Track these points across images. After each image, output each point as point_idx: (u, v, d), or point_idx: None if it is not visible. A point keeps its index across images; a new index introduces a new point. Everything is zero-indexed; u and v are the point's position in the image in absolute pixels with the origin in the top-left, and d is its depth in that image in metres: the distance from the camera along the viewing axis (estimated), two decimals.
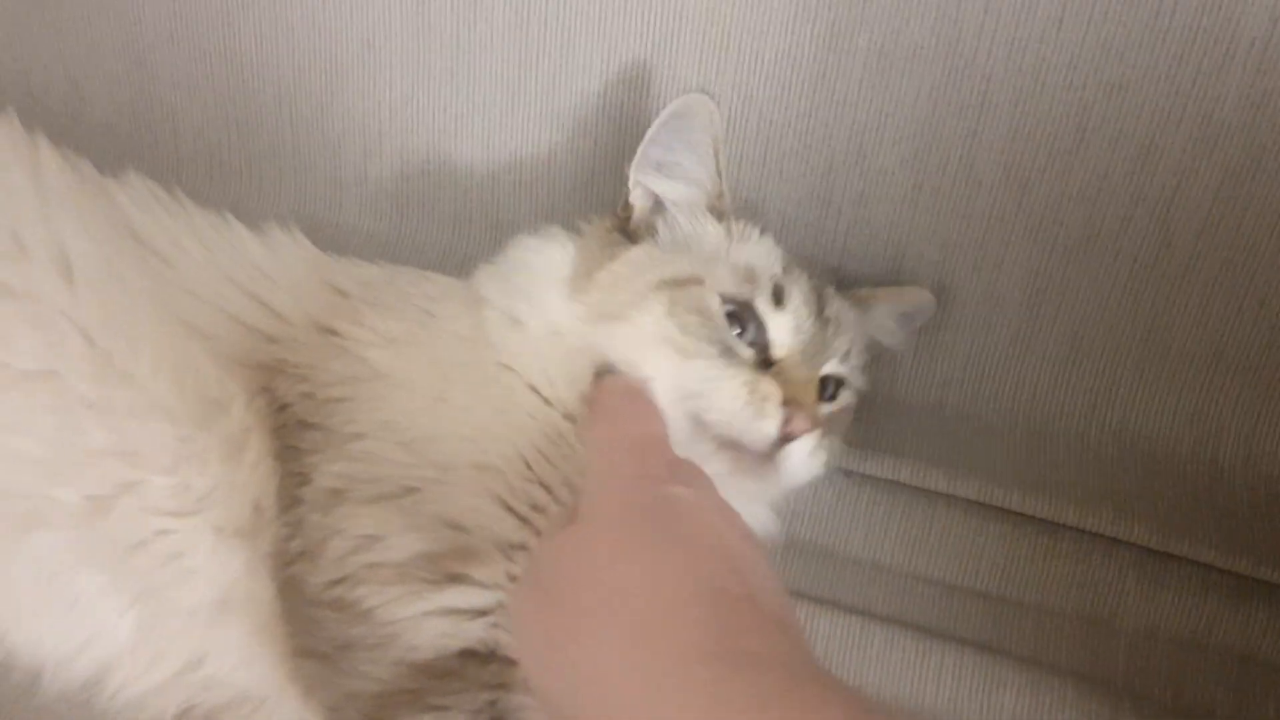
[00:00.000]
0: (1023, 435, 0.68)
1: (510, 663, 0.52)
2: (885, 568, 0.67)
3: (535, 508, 0.54)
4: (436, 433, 0.55)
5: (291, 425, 0.56)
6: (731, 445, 0.55)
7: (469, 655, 0.51)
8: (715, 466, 0.54)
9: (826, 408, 0.60)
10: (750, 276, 0.58)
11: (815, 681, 0.39)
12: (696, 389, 0.55)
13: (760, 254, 0.60)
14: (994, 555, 0.66)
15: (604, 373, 0.58)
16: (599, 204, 0.68)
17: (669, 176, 0.60)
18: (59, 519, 0.56)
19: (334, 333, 0.59)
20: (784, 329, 0.57)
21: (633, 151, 0.60)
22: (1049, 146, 0.61)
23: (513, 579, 0.52)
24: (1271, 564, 0.62)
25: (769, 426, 0.54)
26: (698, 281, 0.57)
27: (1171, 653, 0.62)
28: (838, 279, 0.64)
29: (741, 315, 0.57)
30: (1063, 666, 0.62)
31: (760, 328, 0.57)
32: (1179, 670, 0.62)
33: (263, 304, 0.60)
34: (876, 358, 0.66)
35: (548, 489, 0.55)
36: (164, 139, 0.76)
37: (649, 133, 0.59)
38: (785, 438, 0.54)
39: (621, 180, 0.61)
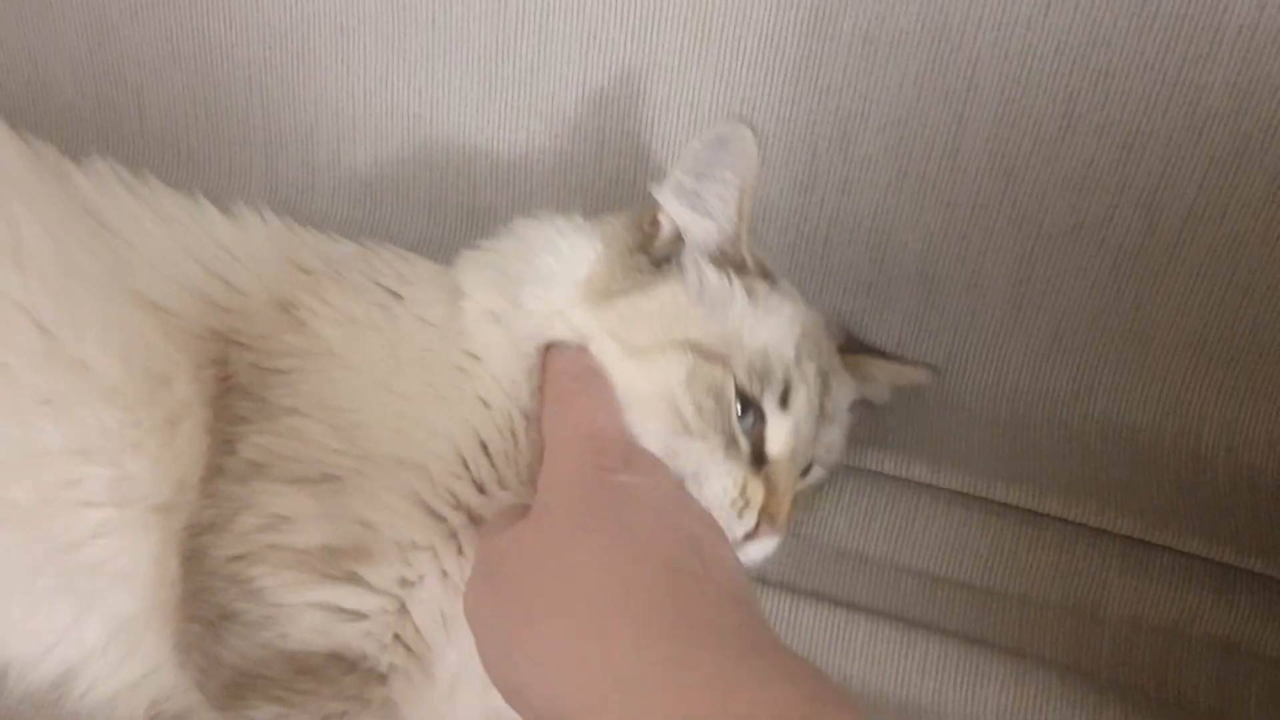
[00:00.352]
0: (1005, 425, 0.67)
1: (376, 679, 0.52)
2: (869, 559, 0.67)
3: (458, 506, 0.54)
4: (371, 421, 0.55)
5: (232, 395, 0.55)
6: None
7: (335, 659, 0.52)
8: None
9: (802, 483, 0.59)
10: (765, 370, 0.55)
11: (775, 652, 0.39)
12: (691, 469, 0.54)
13: (777, 334, 0.57)
14: (977, 546, 0.66)
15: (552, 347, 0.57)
16: (577, 191, 0.67)
17: (694, 209, 0.57)
18: (14, 519, 0.55)
19: (293, 306, 0.58)
20: (783, 432, 0.56)
21: (613, 138, 0.59)
22: (1035, 134, 0.61)
23: (404, 584, 0.53)
24: (1254, 553, 0.62)
25: (743, 528, 0.54)
26: (723, 361, 0.55)
27: (1155, 642, 0.62)
28: (846, 334, 0.63)
29: (747, 399, 0.55)
30: (1047, 657, 0.62)
31: (762, 422, 0.56)
32: (1162, 659, 0.62)
33: (224, 280, 0.59)
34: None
35: (480, 488, 0.55)
36: (129, 121, 0.74)
37: (684, 156, 0.56)
38: (748, 538, 0.55)
39: (601, 169, 0.60)
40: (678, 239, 0.58)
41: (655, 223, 0.58)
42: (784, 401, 0.56)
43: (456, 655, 0.55)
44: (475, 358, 0.58)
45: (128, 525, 0.55)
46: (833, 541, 0.67)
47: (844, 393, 0.61)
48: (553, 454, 0.52)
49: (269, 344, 0.57)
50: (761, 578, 0.65)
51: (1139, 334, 0.65)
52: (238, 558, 0.52)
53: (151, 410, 0.55)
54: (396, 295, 0.60)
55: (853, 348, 0.64)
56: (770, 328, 0.57)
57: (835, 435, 0.60)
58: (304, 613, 0.52)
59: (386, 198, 0.73)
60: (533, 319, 0.57)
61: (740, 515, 0.54)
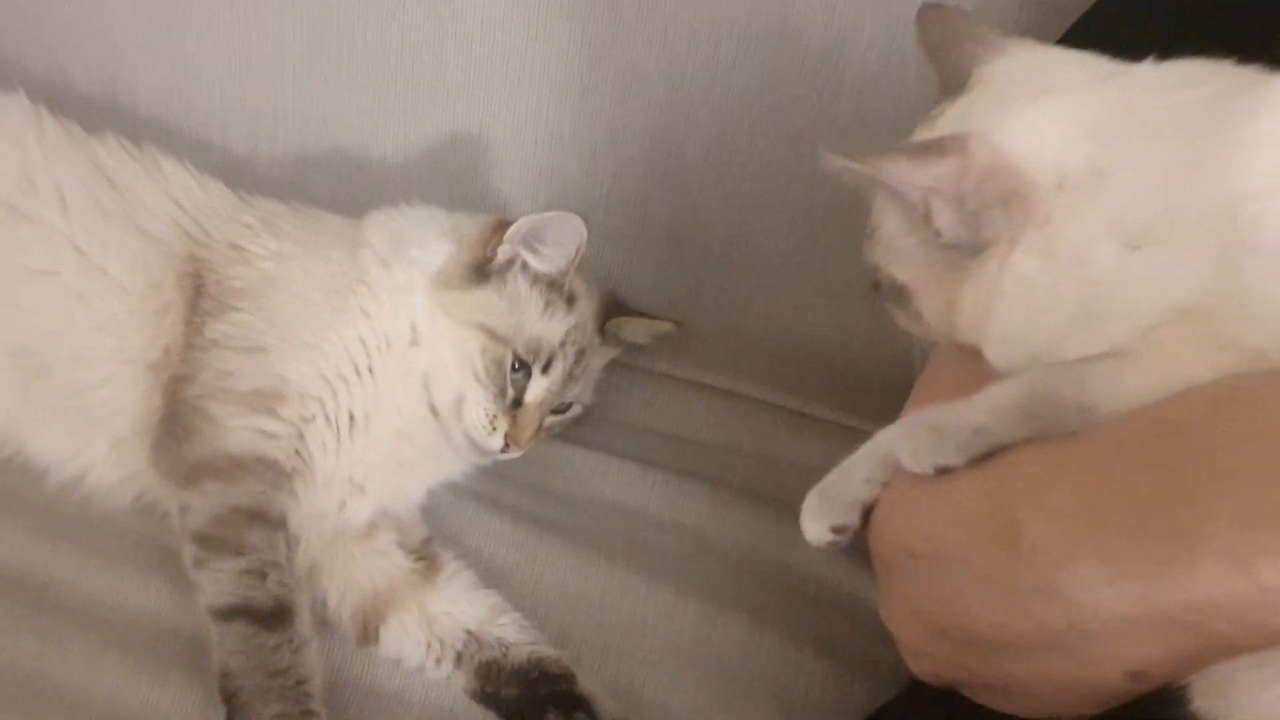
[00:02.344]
0: (726, 337, 1.00)
1: (283, 474, 0.82)
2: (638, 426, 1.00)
3: (340, 376, 0.84)
4: (289, 318, 0.85)
5: (201, 297, 0.85)
6: (471, 439, 0.87)
7: (257, 460, 0.81)
8: (456, 436, 0.87)
9: (554, 418, 0.91)
10: (537, 349, 0.87)
11: None
12: (461, 400, 0.86)
13: (552, 330, 0.88)
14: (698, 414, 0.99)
15: (414, 340, 0.86)
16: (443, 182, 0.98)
17: (534, 253, 0.87)
18: (54, 370, 0.84)
19: (239, 246, 0.88)
20: (539, 388, 0.88)
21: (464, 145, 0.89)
22: (734, 144, 0.92)
23: (303, 419, 0.83)
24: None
25: (495, 444, 0.86)
26: (505, 341, 0.86)
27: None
28: (610, 301, 0.95)
29: (524, 363, 0.87)
30: (736, 486, 0.95)
31: (528, 378, 0.87)
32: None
33: (196, 223, 0.89)
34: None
35: (355, 368, 0.85)
36: (127, 110, 1.04)
37: (535, 219, 0.84)
38: (502, 452, 0.87)
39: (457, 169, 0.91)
40: (506, 265, 0.87)
41: (495, 249, 0.86)
42: (546, 369, 0.88)
43: (331, 463, 0.86)
44: (364, 284, 0.88)
45: (128, 376, 0.85)
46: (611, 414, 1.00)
47: (597, 358, 0.93)
48: None
49: (225, 270, 0.87)
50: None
51: (810, 284, 0.96)
52: (200, 397, 0.82)
53: (147, 303, 0.85)
54: (315, 238, 0.91)
55: (620, 313, 0.95)
56: (549, 326, 0.88)
57: (581, 388, 0.92)
58: (240, 432, 0.81)
59: (308, 169, 1.04)
60: (403, 275, 0.88)
61: (490, 436, 0.86)
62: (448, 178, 0.98)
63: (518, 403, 0.87)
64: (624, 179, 0.96)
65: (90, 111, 0.97)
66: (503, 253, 0.86)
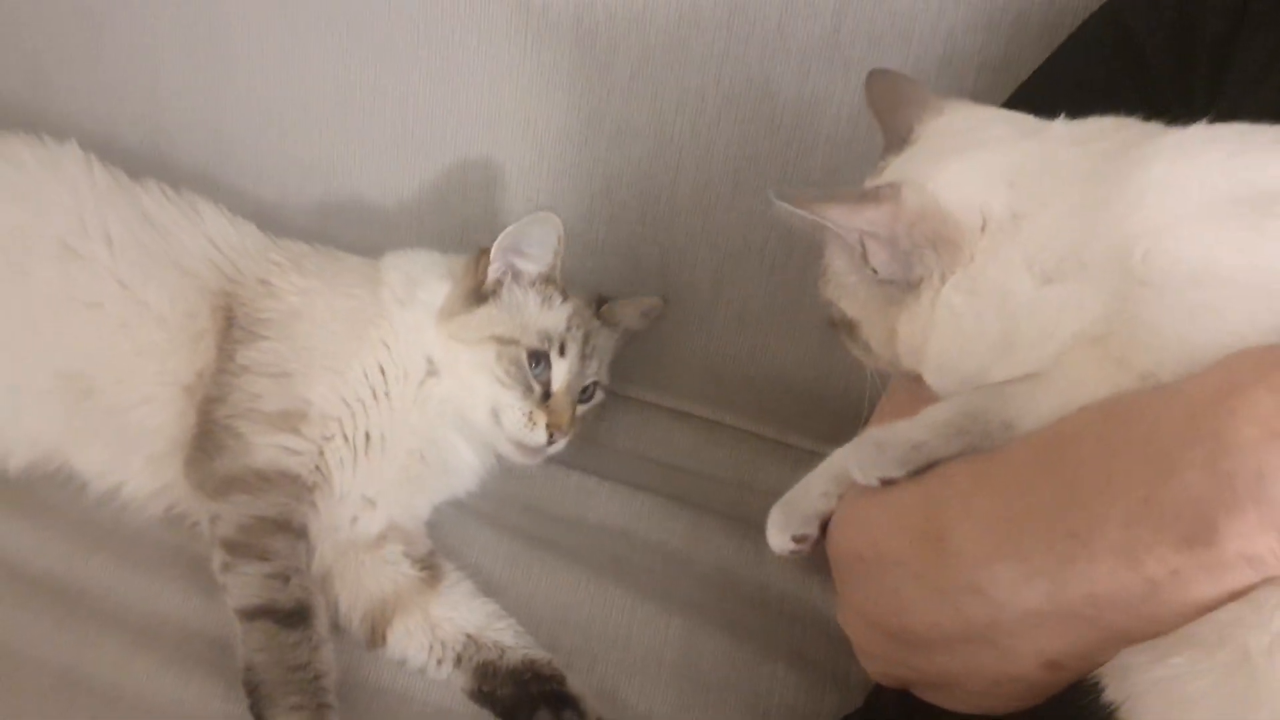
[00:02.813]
0: (710, 370, 1.08)
1: (305, 487, 0.88)
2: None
3: (359, 399, 0.92)
4: (313, 346, 0.93)
5: (233, 327, 0.93)
6: (518, 443, 0.94)
7: (281, 474, 0.88)
8: (505, 447, 0.95)
9: (584, 406, 0.98)
10: (547, 337, 0.95)
11: None
12: (497, 409, 0.94)
13: (557, 318, 0.96)
14: (680, 440, 1.08)
15: (431, 371, 0.94)
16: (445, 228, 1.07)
17: (521, 257, 0.95)
18: (97, 392, 0.92)
19: (269, 284, 0.96)
20: (562, 371, 0.95)
21: (472, 191, 0.98)
22: (718, 192, 1.00)
23: (323, 438, 0.90)
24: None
25: (539, 438, 0.92)
26: (515, 342, 0.94)
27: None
28: (600, 298, 1.03)
29: (540, 357, 0.94)
30: (716, 508, 1.02)
31: (548, 367, 0.95)
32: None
33: (229, 260, 0.97)
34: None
35: (374, 393, 0.93)
36: (168, 159, 1.13)
37: (513, 228, 0.92)
38: (550, 443, 0.94)
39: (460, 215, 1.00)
40: (498, 282, 0.96)
41: (485, 270, 0.94)
42: (561, 351, 0.95)
43: (348, 480, 0.93)
44: (384, 319, 0.96)
45: (165, 397, 0.93)
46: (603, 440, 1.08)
47: (602, 339, 1.00)
48: None
49: (255, 303, 0.95)
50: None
51: (790, 321, 1.04)
52: (230, 416, 0.90)
53: (184, 331, 0.93)
54: (336, 276, 0.99)
55: (606, 301, 1.03)
56: (551, 316, 0.96)
57: (597, 365, 0.99)
58: (266, 449, 0.89)
59: (331, 215, 1.12)
60: (413, 316, 0.96)
61: (533, 431, 0.93)
62: (458, 223, 1.07)
63: (547, 396, 0.94)
64: (618, 224, 1.04)
65: (135, 161, 1.06)
66: (493, 271, 0.94)
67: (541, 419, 0.93)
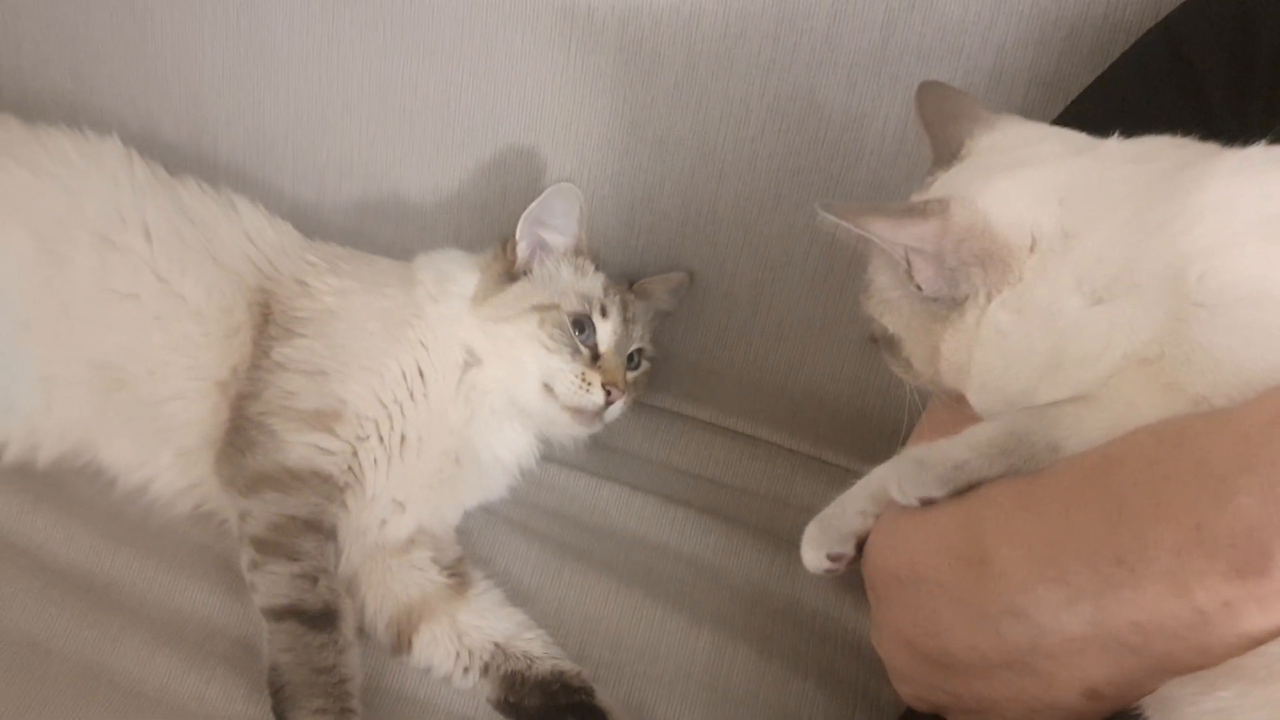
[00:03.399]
0: (747, 383, 1.06)
1: (336, 487, 0.88)
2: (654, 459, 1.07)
3: (395, 400, 0.91)
4: (349, 345, 0.92)
5: (269, 323, 0.93)
6: (575, 409, 0.93)
7: (314, 473, 0.87)
8: (561, 419, 0.93)
9: (632, 374, 0.98)
10: (587, 300, 0.95)
11: None
12: (548, 379, 0.93)
13: (593, 284, 0.97)
14: (714, 451, 1.07)
15: (471, 361, 0.94)
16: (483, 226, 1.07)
17: (548, 229, 0.97)
18: (129, 384, 0.92)
19: (305, 284, 0.96)
20: (607, 332, 0.95)
21: (513, 197, 0.98)
22: (760, 204, 0.99)
23: (358, 439, 0.89)
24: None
25: (597, 400, 0.91)
26: (555, 306, 0.94)
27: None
28: (629, 279, 1.02)
29: (582, 322, 0.94)
30: (751, 523, 1.01)
31: (593, 331, 0.95)
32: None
33: (266, 258, 0.97)
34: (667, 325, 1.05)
35: (410, 393, 0.93)
36: (209, 155, 1.13)
37: (535, 203, 0.93)
38: (608, 403, 0.92)
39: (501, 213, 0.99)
40: (528, 260, 0.96)
41: (514, 252, 0.96)
42: (603, 313, 0.94)
43: (380, 481, 0.93)
44: (420, 318, 0.96)
45: (197, 392, 0.93)
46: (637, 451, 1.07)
47: (639, 307, 0.99)
48: None
49: (291, 301, 0.95)
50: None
51: (830, 331, 1.02)
52: (263, 413, 0.90)
53: (219, 326, 0.93)
54: (372, 278, 0.99)
55: (636, 282, 1.02)
56: (587, 283, 0.96)
57: (641, 331, 0.99)
58: (299, 447, 0.89)
59: (369, 215, 1.12)
60: (448, 308, 0.96)
61: (589, 392, 0.92)
62: (496, 226, 1.05)
63: (595, 359, 0.94)
64: (658, 233, 1.04)
65: (175, 157, 1.06)
66: (521, 249, 0.96)
67: (596, 378, 0.92)
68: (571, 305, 0.94)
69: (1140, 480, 0.51)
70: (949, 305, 0.61)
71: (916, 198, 0.65)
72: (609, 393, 0.92)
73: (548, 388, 0.93)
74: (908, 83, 0.90)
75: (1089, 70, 0.85)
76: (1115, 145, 0.61)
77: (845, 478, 0.97)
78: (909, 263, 0.60)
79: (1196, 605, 0.47)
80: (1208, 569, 0.47)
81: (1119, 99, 0.79)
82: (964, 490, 0.59)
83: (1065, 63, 0.87)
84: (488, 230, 1.06)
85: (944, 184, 0.64)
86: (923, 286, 0.61)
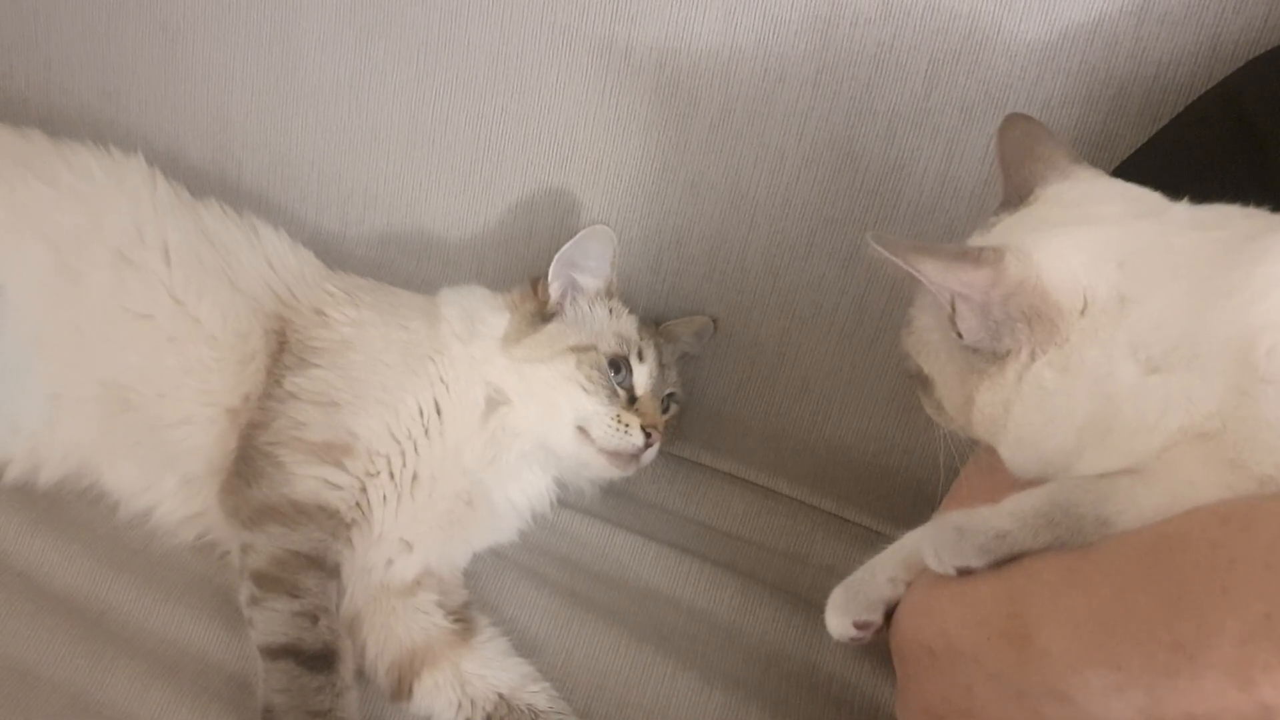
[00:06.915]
0: (769, 435, 1.04)
1: (343, 524, 0.85)
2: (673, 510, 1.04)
3: (409, 437, 0.89)
4: (365, 377, 0.90)
5: (284, 352, 0.91)
6: (612, 452, 0.91)
7: (320, 508, 0.85)
8: (597, 462, 0.91)
9: (664, 417, 0.95)
10: (624, 341, 0.93)
11: None
12: (583, 422, 0.91)
13: (628, 326, 0.95)
14: (734, 506, 1.03)
15: (495, 401, 0.92)
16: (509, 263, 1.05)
17: (581, 271, 0.95)
18: (137, 407, 0.90)
19: (323, 313, 0.94)
20: (643, 375, 0.93)
21: (540, 236, 0.96)
22: (792, 253, 0.97)
23: (368, 474, 0.87)
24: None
25: (634, 442, 0.90)
26: (593, 348, 0.92)
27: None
28: (656, 321, 1.00)
29: (619, 364, 0.92)
30: (769, 580, 0.97)
31: (629, 373, 0.92)
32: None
33: (285, 285, 0.95)
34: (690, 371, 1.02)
35: (426, 430, 0.90)
36: (230, 185, 1.12)
37: (569, 245, 0.93)
38: (647, 445, 0.90)
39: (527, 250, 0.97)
40: (560, 300, 0.94)
41: (546, 292, 0.95)
42: (640, 356, 0.93)
43: (389, 520, 0.90)
44: (442, 353, 0.93)
45: (207, 418, 0.90)
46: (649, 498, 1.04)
47: (669, 351, 0.97)
48: None
49: (307, 330, 0.93)
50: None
51: (855, 385, 1.00)
52: (272, 443, 0.87)
53: (233, 351, 0.91)
54: (391, 310, 0.97)
55: (661, 324, 1.00)
56: (622, 324, 0.95)
57: (674, 375, 0.97)
58: (306, 480, 0.86)
59: (391, 246, 1.11)
60: (478, 350, 0.94)
61: (627, 434, 0.90)
62: (521, 264, 1.04)
63: (631, 401, 0.92)
64: (685, 278, 1.02)
65: (199, 179, 1.06)
66: (554, 290, 0.95)
67: (634, 420, 0.90)
68: (609, 347, 0.92)
69: (1203, 563, 0.48)
70: (988, 359, 0.59)
71: (975, 240, 0.63)
72: (649, 435, 0.90)
73: (582, 430, 0.91)
74: (949, 135, 0.89)
75: (1136, 130, 0.83)
76: (1183, 211, 0.59)
77: (867, 537, 0.96)
78: (954, 308, 0.58)
79: (1261, 699, 0.44)
80: (1276, 662, 0.44)
81: (1176, 160, 0.77)
82: (1004, 561, 0.56)
83: (1112, 121, 0.85)
84: (513, 267, 1.04)
85: (1004, 229, 0.63)
86: (964, 335, 0.59)
